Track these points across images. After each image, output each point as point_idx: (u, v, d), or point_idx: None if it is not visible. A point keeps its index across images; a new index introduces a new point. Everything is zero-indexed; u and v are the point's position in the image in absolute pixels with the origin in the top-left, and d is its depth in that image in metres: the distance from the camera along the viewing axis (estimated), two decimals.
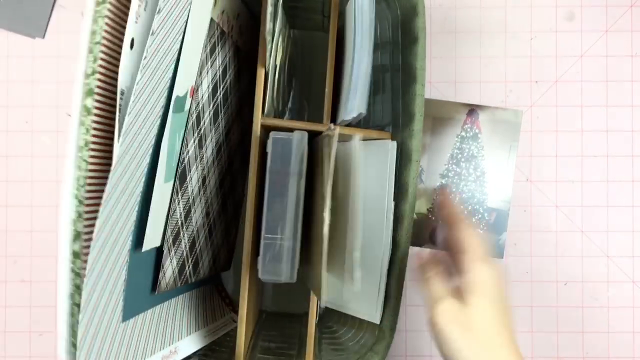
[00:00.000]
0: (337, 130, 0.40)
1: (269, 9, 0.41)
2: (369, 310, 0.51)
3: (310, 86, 0.67)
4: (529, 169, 0.68)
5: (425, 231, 0.67)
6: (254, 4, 0.58)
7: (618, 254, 0.67)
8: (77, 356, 0.33)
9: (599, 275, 0.67)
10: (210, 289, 0.62)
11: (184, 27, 0.39)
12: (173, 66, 0.39)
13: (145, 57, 0.33)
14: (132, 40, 0.33)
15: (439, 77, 0.68)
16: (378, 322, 0.50)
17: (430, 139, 0.67)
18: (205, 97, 0.48)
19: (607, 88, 0.68)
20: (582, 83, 0.68)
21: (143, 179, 0.38)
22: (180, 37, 0.39)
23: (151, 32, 0.33)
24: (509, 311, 0.42)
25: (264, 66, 0.46)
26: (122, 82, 0.33)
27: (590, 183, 0.67)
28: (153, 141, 0.39)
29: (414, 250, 0.67)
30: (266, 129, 0.48)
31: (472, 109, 0.67)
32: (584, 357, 0.66)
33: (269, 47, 0.44)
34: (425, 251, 0.68)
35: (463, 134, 0.67)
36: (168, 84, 0.39)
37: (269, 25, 0.42)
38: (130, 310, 0.41)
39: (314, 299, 0.53)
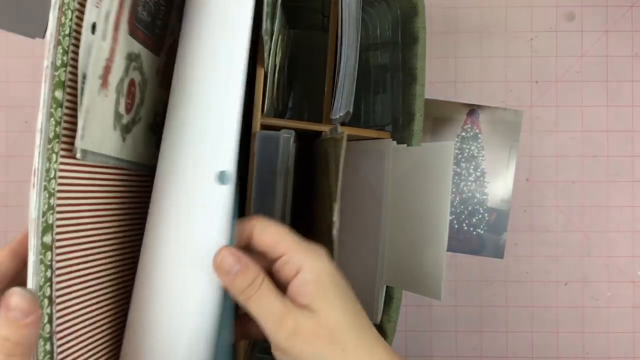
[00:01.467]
0: (345, 134, 0.40)
1: (266, 8, 0.41)
2: (369, 310, 0.51)
3: (311, 86, 0.67)
4: (529, 169, 0.68)
5: None
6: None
7: (618, 254, 0.67)
8: None
9: (599, 275, 0.67)
10: None
11: None
12: None
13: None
14: (94, 25, 0.33)
15: (439, 77, 0.68)
16: (377, 322, 0.50)
17: (431, 140, 0.67)
18: None
19: (607, 88, 0.68)
20: (582, 83, 0.68)
21: None
22: None
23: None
24: (357, 304, 0.36)
25: (263, 66, 0.46)
26: (82, 66, 0.33)
27: (590, 183, 0.67)
28: None
29: None
30: (266, 129, 0.48)
31: (473, 109, 0.67)
32: (584, 357, 0.66)
33: (266, 46, 0.44)
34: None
35: (463, 134, 0.67)
36: None
37: (266, 24, 0.42)
38: None
39: None
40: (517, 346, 0.67)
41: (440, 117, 0.67)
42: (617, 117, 0.67)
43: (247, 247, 0.36)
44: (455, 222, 0.67)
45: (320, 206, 0.46)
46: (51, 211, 0.32)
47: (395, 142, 0.49)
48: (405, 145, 0.47)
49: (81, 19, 0.33)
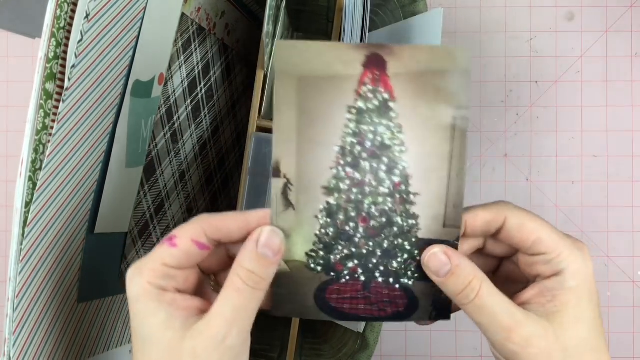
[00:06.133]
0: None
1: (268, 11, 0.41)
2: None
3: None
4: (529, 169, 0.68)
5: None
6: (251, 4, 0.58)
7: (618, 254, 0.67)
8: (17, 332, 0.32)
9: (599, 275, 0.67)
10: None
11: (141, 16, 0.39)
12: (131, 53, 0.38)
13: (81, 41, 0.32)
14: (87, 15, 0.33)
15: None
16: (361, 331, 0.50)
17: (299, 120, 0.31)
18: (179, 91, 0.48)
19: (607, 88, 0.68)
20: (582, 83, 0.68)
21: (100, 164, 0.38)
22: (139, 25, 0.38)
23: (85, 16, 0.32)
24: (601, 321, 0.31)
25: (262, 68, 0.46)
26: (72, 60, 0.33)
27: (590, 183, 0.67)
28: (112, 126, 0.38)
29: None
30: (262, 131, 0.48)
31: (374, 55, 0.31)
32: None
33: (267, 49, 0.44)
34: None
35: (360, 104, 0.31)
36: (126, 70, 0.38)
37: (267, 27, 0.42)
38: (90, 292, 0.40)
39: None
40: None
41: (314, 74, 0.31)
42: (617, 117, 0.67)
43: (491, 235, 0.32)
44: (359, 271, 0.33)
45: None
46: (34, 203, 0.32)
47: None
48: None
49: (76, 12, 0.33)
